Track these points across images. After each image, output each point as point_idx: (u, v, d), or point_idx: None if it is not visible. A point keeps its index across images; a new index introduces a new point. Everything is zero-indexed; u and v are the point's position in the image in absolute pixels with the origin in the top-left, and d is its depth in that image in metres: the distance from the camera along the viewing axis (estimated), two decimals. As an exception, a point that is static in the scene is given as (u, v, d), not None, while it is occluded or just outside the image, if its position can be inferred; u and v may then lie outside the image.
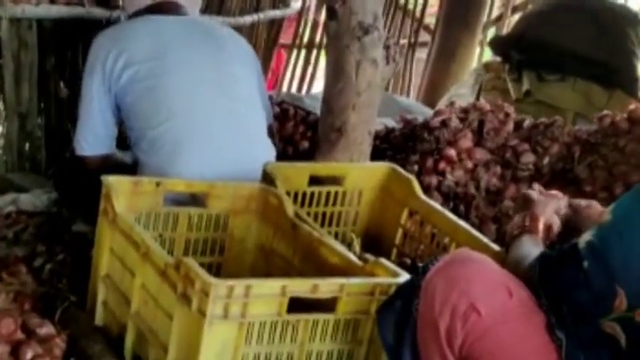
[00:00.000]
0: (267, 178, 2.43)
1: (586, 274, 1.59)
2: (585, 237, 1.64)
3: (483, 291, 1.63)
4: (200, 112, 2.56)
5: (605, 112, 3.42)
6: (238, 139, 2.57)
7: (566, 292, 1.62)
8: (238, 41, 2.82)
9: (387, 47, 2.73)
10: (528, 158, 3.18)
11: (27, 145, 3.23)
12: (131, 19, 2.74)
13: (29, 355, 1.88)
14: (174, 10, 2.73)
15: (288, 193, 2.38)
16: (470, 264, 1.68)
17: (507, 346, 1.63)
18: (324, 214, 2.57)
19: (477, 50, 5.46)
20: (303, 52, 5.18)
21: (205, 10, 3.53)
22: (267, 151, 2.66)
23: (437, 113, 3.40)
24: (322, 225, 2.47)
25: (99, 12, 3.33)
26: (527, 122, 3.34)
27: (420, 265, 1.91)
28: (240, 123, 2.61)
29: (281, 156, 2.85)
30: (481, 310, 1.61)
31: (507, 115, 3.33)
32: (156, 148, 2.52)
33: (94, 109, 2.61)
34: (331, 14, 2.70)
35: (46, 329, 1.98)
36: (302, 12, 5.08)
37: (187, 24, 2.72)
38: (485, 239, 2.29)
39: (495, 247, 2.21)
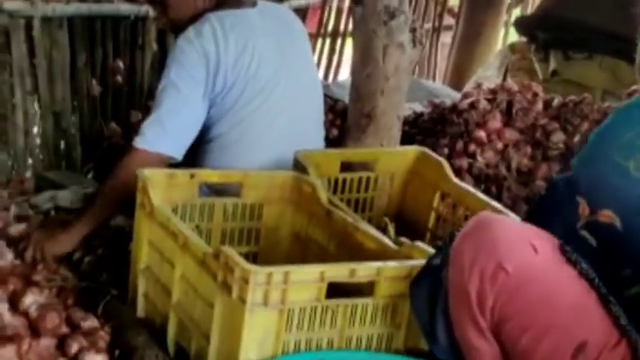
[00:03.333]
0: (299, 166, 2.45)
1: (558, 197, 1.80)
2: None
3: (509, 250, 1.66)
4: (271, 115, 2.57)
5: (634, 87, 3.40)
6: (298, 140, 2.58)
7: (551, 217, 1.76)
8: (302, 26, 2.82)
9: (413, 30, 2.73)
10: (558, 137, 3.17)
11: (62, 143, 3.28)
12: (209, 18, 2.51)
13: (75, 348, 1.91)
14: (241, 3, 2.61)
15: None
16: (494, 226, 1.71)
17: (539, 302, 1.66)
18: (356, 200, 2.59)
19: (502, 31, 5.43)
20: (328, 41, 5.18)
21: None
22: (320, 145, 2.72)
23: (465, 96, 3.40)
24: (355, 211, 2.49)
25: (127, 8, 3.37)
26: (557, 101, 3.34)
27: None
28: (303, 124, 2.65)
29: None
30: (508, 269, 1.64)
31: (536, 94, 3.32)
32: (227, 149, 2.55)
33: (185, 106, 2.45)
34: (357, 0, 2.72)
35: (90, 322, 2.00)
36: (326, 0, 5.08)
37: (266, 18, 2.62)
38: (518, 219, 2.30)
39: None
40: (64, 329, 1.96)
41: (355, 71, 2.79)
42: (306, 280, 1.84)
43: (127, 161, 2.43)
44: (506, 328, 1.69)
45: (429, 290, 1.79)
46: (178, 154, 2.47)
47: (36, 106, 3.19)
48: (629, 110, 1.78)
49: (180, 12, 2.58)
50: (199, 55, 2.46)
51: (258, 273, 1.78)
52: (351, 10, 2.95)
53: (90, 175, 3.20)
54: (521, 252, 1.66)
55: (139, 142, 2.44)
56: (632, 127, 1.71)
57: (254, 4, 2.64)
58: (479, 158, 3.08)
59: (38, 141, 3.22)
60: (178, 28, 2.57)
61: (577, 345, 1.64)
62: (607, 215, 1.70)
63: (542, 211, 1.80)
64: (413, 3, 5.16)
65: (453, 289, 1.72)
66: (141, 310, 2.18)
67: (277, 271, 1.81)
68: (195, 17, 2.54)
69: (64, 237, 2.39)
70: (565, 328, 1.65)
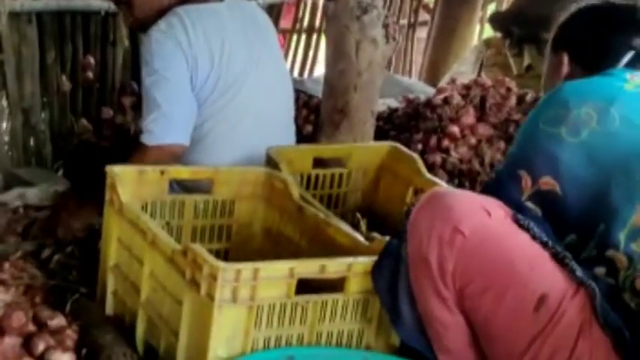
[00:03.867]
0: (271, 162, 2.43)
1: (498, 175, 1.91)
2: None
3: (463, 214, 1.71)
4: (241, 109, 2.56)
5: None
6: (267, 135, 2.57)
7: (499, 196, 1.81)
8: (269, 22, 2.82)
9: (386, 25, 2.72)
10: (532, 132, 3.18)
11: (32, 140, 3.25)
12: (176, 11, 2.51)
13: (41, 346, 1.88)
14: None
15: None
16: (447, 196, 1.77)
17: (496, 260, 1.70)
18: (329, 196, 2.58)
19: (477, 27, 5.44)
20: (303, 37, 5.17)
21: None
22: (291, 140, 2.70)
23: (439, 91, 3.40)
24: (328, 207, 2.48)
25: (97, 4, 3.34)
26: (530, 96, 3.34)
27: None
28: (273, 118, 2.64)
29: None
30: (465, 232, 1.69)
31: (509, 89, 3.33)
32: (197, 143, 2.54)
33: (179, 93, 2.46)
34: (329, -4, 2.71)
35: (58, 321, 1.97)
36: (301, -4, 5.06)
37: (234, 12, 2.61)
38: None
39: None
40: (31, 328, 1.93)
41: (328, 67, 2.79)
42: (275, 277, 1.82)
43: (141, 158, 2.44)
44: (468, 293, 1.71)
45: (391, 270, 1.82)
46: (186, 140, 2.50)
47: (4, 102, 3.16)
48: (554, 94, 1.87)
49: (146, 8, 2.57)
50: (175, 46, 2.46)
51: (227, 270, 1.76)
52: (324, 5, 2.95)
53: (60, 173, 3.16)
54: (476, 215, 1.71)
55: (149, 140, 2.47)
56: (557, 104, 1.82)
57: None
58: (452, 153, 3.08)
59: (7, 138, 3.19)
60: (146, 25, 2.55)
61: (538, 298, 1.68)
62: (547, 182, 1.77)
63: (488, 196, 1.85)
64: (388, -1, 5.16)
65: (414, 261, 1.75)
66: (110, 308, 2.15)
67: (246, 268, 1.79)
68: (162, 13, 2.53)
69: (83, 213, 2.54)
70: (524, 284, 1.69)
